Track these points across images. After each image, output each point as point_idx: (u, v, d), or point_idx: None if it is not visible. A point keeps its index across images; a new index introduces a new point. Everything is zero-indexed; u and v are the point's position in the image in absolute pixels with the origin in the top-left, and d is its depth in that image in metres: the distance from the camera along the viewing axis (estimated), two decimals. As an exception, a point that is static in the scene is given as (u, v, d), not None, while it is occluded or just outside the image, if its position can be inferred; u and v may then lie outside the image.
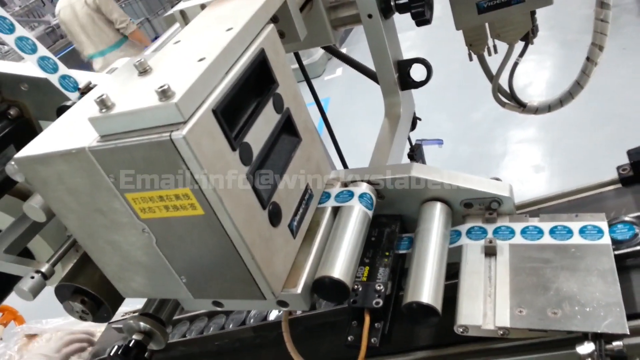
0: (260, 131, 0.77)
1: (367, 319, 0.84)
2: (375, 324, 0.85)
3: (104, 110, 0.66)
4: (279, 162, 0.81)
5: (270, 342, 1.26)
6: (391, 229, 0.98)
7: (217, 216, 0.68)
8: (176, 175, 0.65)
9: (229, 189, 0.68)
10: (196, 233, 0.72)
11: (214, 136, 0.67)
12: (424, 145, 1.29)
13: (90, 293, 1.03)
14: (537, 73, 4.96)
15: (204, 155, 0.64)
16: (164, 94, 0.62)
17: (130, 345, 0.95)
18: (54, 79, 0.92)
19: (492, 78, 1.38)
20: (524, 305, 0.79)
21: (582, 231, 0.86)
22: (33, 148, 0.73)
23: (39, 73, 1.05)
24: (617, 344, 0.72)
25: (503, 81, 1.40)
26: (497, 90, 1.41)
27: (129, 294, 0.88)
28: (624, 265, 0.82)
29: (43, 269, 1.00)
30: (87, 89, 0.95)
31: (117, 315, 1.70)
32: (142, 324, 0.97)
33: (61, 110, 0.94)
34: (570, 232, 0.86)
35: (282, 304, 0.82)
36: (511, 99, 1.41)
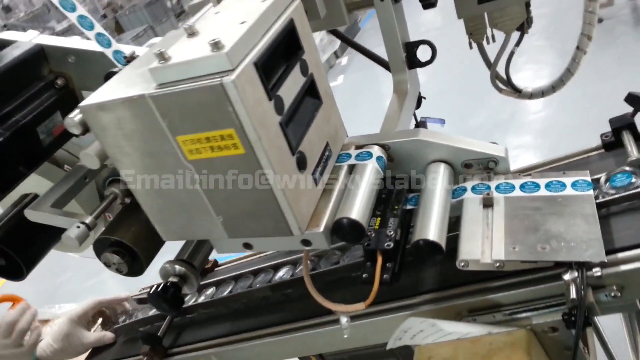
0: (290, 89, 0.89)
1: (380, 258, 0.96)
2: (387, 264, 0.97)
3: (162, 62, 0.78)
4: (304, 118, 0.93)
5: (277, 302, 1.35)
6: (399, 188, 1.10)
7: (255, 154, 0.80)
8: (223, 116, 0.77)
9: (265, 132, 0.80)
10: (236, 171, 0.83)
11: (254, 85, 0.79)
12: (427, 123, 1.42)
13: (126, 245, 1.14)
14: (534, 82, 5.09)
15: (247, 99, 0.76)
16: (216, 45, 0.74)
17: (168, 284, 1.06)
18: (91, 35, 1.04)
19: (490, 65, 1.51)
20: (517, 243, 0.91)
21: (571, 185, 0.98)
22: (96, 97, 0.85)
23: (85, 46, 1.18)
24: (596, 270, 0.83)
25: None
26: (494, 77, 1.53)
27: (169, 236, 1.00)
28: (606, 212, 0.95)
29: (87, 221, 1.12)
30: (132, 57, 1.07)
31: (136, 291, 1.81)
32: (177, 267, 1.08)
33: (109, 75, 1.06)
34: (558, 185, 0.99)
35: (305, 242, 0.94)
36: (508, 85, 1.54)
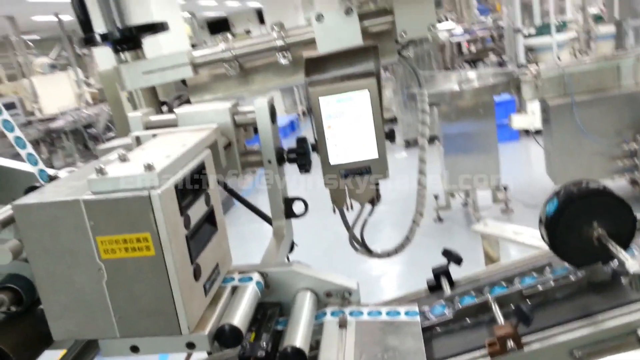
0: (196, 212, 1.12)
1: (253, 365, 1.12)
2: (259, 372, 1.13)
3: (100, 175, 0.98)
4: (203, 238, 1.15)
5: None
6: (272, 311, 1.30)
7: (164, 256, 0.99)
8: (144, 222, 0.97)
9: (175, 239, 1.01)
10: (143, 271, 1.00)
11: (172, 202, 1.01)
12: (297, 267, 1.67)
13: (5, 353, 1.17)
14: (390, 267, 5.69)
15: (166, 210, 0.98)
16: (149, 167, 0.97)
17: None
18: (23, 153, 1.21)
19: (349, 228, 1.86)
20: (363, 353, 1.14)
21: (404, 313, 1.26)
22: (29, 200, 1.01)
23: (6, 163, 1.33)
24: (421, 374, 1.08)
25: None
26: (352, 238, 1.88)
27: (61, 334, 1.08)
28: (428, 335, 1.23)
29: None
30: (55, 177, 1.25)
31: None
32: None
33: (30, 189, 1.21)
34: (395, 313, 1.27)
35: (190, 345, 1.08)
36: (362, 246, 1.89)
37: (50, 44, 13.92)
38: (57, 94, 11.18)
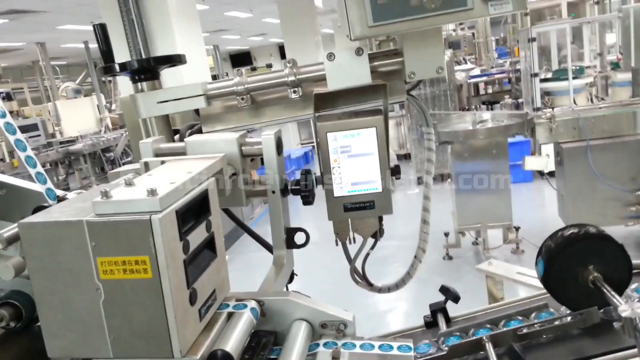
0: (195, 238, 1.15)
1: (243, 393, 1.13)
2: (248, 400, 1.13)
3: (104, 198, 1.02)
4: (201, 264, 1.17)
5: None
6: (267, 339, 1.31)
7: (160, 280, 1.02)
8: (144, 245, 1.00)
9: (172, 264, 1.03)
10: (139, 293, 1.03)
11: (172, 227, 1.04)
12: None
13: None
14: (397, 303, 5.64)
15: (165, 235, 1.01)
16: (152, 192, 1.01)
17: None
18: (32, 172, 1.26)
19: (351, 261, 1.87)
20: (353, 386, 1.14)
21: (397, 348, 1.26)
22: (35, 218, 1.05)
23: (18, 182, 1.38)
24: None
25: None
26: (353, 271, 1.89)
27: (56, 352, 1.10)
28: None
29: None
30: (63, 198, 1.29)
31: None
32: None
33: (38, 208, 1.26)
34: (389, 347, 1.27)
35: (181, 370, 1.10)
36: (363, 279, 1.89)
37: (76, 69, 14.37)
38: (80, 118, 11.48)
